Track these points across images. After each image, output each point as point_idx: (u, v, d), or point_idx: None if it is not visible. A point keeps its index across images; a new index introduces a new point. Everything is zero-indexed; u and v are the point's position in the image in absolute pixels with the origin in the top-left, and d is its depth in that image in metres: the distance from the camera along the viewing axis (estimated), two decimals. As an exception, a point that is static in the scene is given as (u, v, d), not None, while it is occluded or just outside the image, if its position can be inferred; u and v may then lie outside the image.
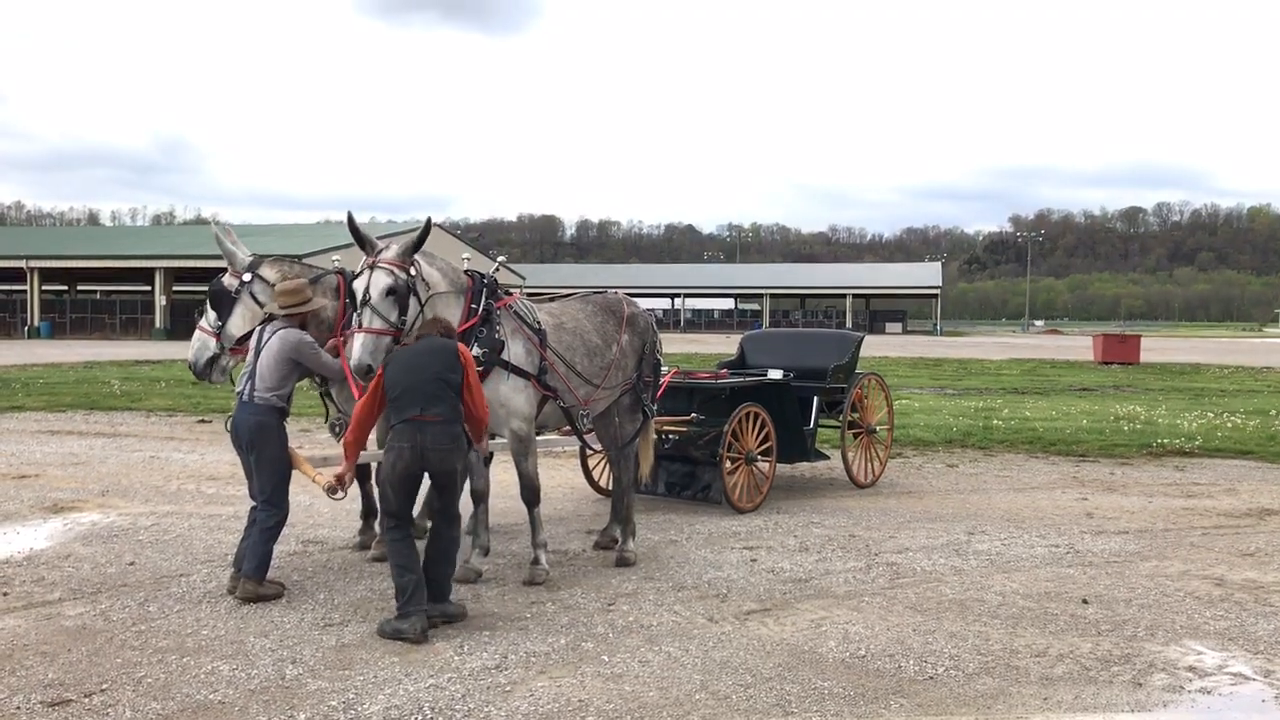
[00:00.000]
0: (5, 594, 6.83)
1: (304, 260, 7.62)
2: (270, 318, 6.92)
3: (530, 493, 7.25)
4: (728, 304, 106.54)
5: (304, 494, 8.98)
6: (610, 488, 10.53)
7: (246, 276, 7.27)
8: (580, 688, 5.30)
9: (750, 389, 10.23)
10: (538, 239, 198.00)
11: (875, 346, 53.00)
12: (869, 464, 11.52)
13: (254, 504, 6.89)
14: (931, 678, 5.53)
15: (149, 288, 64.55)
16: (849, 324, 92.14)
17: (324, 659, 5.66)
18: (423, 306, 6.55)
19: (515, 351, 6.99)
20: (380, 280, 6.40)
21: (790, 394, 10.54)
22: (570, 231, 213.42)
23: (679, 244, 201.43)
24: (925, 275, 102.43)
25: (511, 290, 7.33)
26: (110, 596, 6.80)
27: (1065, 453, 14.01)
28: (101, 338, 60.29)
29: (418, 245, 6.56)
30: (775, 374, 10.74)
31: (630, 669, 5.58)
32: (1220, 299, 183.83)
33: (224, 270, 7.40)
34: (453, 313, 6.77)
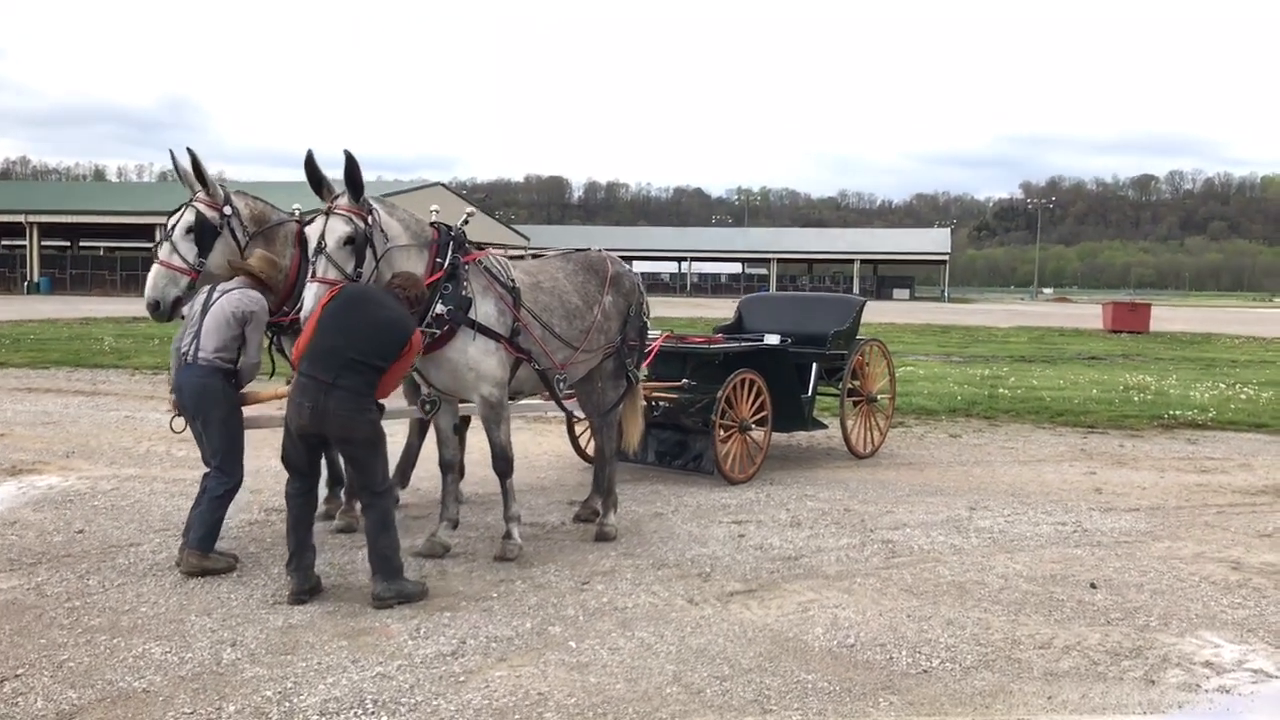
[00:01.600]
0: (-63, 563, 6.41)
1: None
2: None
3: (503, 463, 6.78)
4: (735, 268, 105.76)
5: (274, 459, 8.53)
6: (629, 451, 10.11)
7: (228, 210, 6.68)
8: (541, 678, 4.86)
9: (745, 355, 9.74)
10: (545, 200, 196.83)
11: (882, 312, 52.44)
12: (869, 434, 11.04)
13: (206, 471, 6.46)
14: (925, 671, 5.08)
15: (151, 244, 64.03)
16: (856, 289, 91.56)
17: (267, 642, 5.22)
18: (378, 260, 6.05)
19: (485, 310, 6.49)
20: (338, 227, 5.90)
21: (787, 360, 10.05)
22: (578, 193, 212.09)
23: (687, 207, 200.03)
24: (933, 241, 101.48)
25: (484, 246, 6.82)
26: (50, 568, 6.36)
27: (1073, 423, 13.52)
28: (102, 294, 59.84)
29: (360, 188, 6.03)
30: (772, 339, 10.24)
31: (598, 657, 5.14)
32: (1231, 269, 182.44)
33: (183, 205, 6.72)
34: (414, 267, 6.28)
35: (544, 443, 11.45)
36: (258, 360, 6.50)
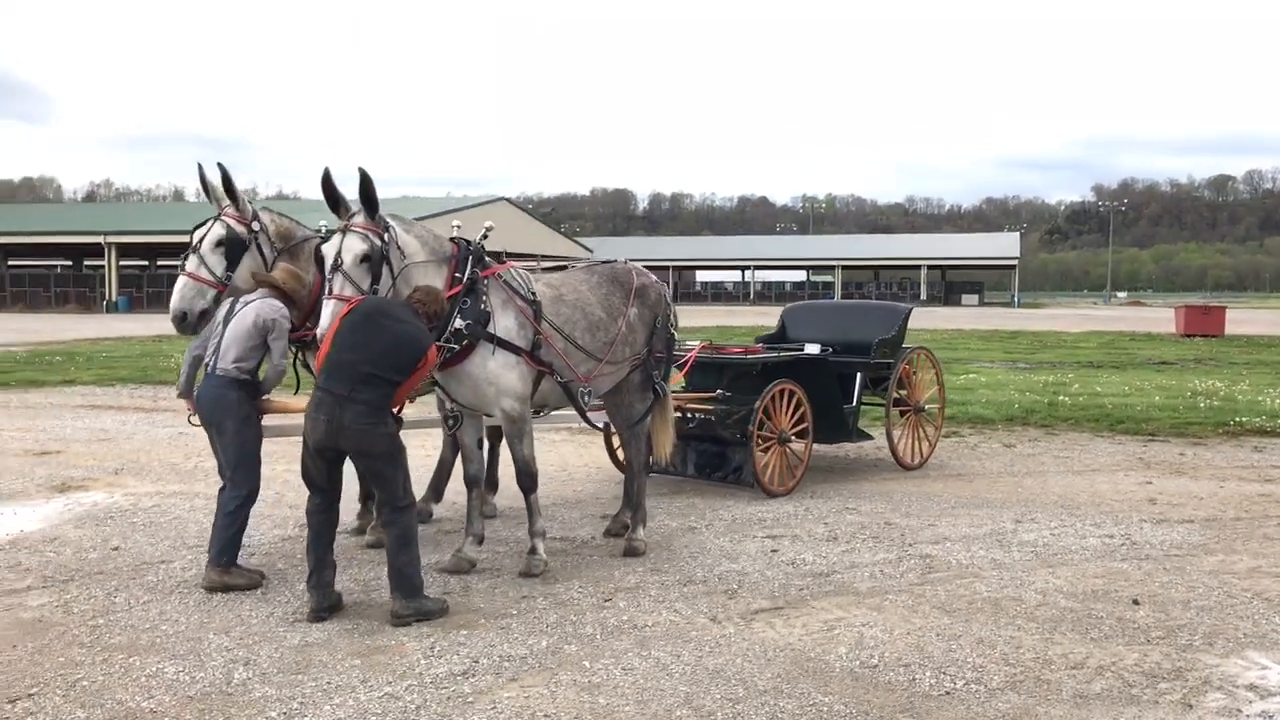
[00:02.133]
0: (-28, 581, 6.50)
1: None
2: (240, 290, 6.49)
3: (526, 478, 6.72)
4: (800, 276, 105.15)
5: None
6: (660, 463, 10.01)
7: (256, 225, 6.75)
8: (550, 699, 4.77)
9: (784, 364, 9.58)
10: (610, 212, 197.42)
11: (949, 319, 51.76)
12: (917, 444, 10.81)
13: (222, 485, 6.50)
14: (949, 693, 4.90)
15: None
16: (923, 295, 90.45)
17: (280, 660, 5.20)
18: (395, 276, 6.04)
19: (505, 324, 6.44)
20: (355, 245, 5.90)
21: (828, 370, 9.87)
22: (643, 204, 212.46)
23: (752, 216, 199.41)
24: (1003, 246, 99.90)
25: (505, 259, 6.77)
26: (81, 585, 6.43)
27: (1134, 431, 13.12)
28: (176, 312, 60.99)
29: (376, 205, 6.02)
30: (812, 349, 10.08)
31: (611, 677, 5.03)
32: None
33: (206, 219, 6.78)
34: (433, 282, 6.25)
35: (586, 455, 11.39)
36: (283, 367, 6.51)
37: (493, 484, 8.54)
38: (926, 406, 11.03)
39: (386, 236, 6.01)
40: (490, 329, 6.35)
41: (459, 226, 6.69)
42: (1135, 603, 6.25)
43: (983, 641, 5.56)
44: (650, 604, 6.15)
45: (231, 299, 6.50)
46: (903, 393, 10.75)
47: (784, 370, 9.47)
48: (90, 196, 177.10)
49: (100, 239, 62.96)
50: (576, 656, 5.30)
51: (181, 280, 6.64)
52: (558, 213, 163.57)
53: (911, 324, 11.27)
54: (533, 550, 6.73)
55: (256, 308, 6.33)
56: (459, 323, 6.24)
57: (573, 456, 11.12)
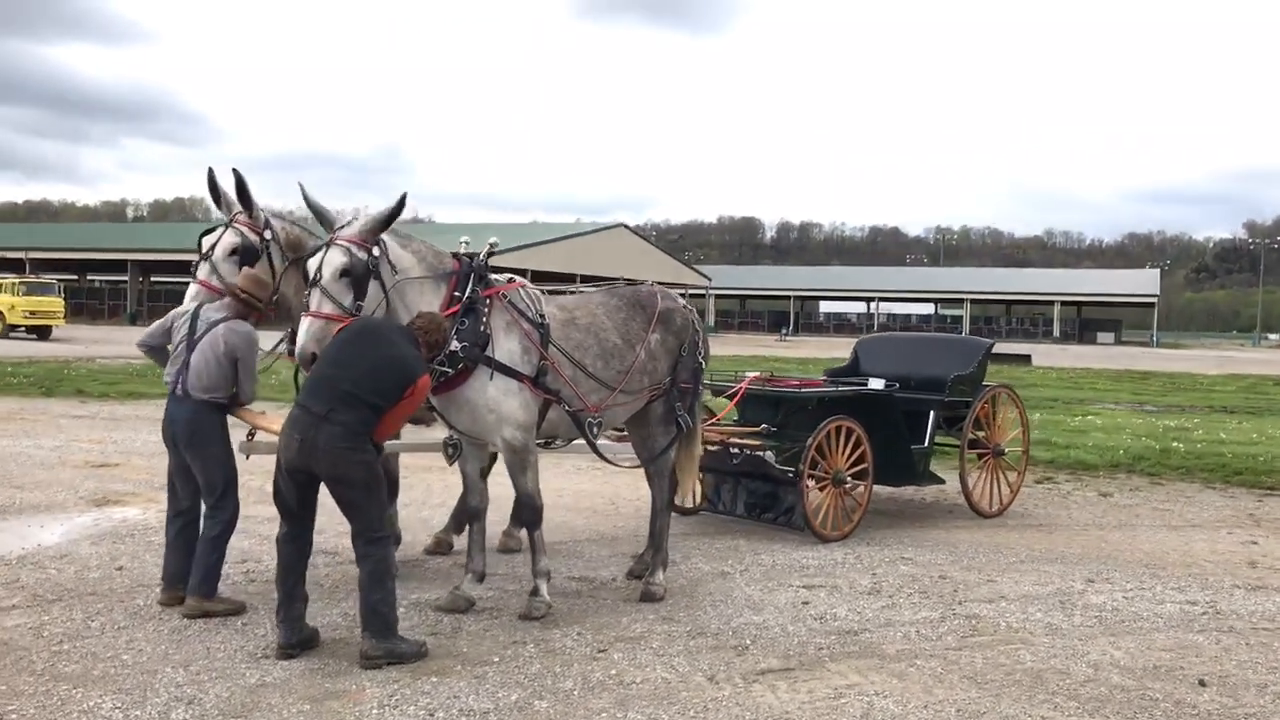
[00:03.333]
0: (-36, 598, 6.35)
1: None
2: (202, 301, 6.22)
3: (530, 512, 6.28)
4: (927, 309, 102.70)
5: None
6: (683, 503, 9.48)
7: (268, 234, 6.50)
8: (494, 764, 4.29)
9: (844, 400, 8.95)
10: (736, 241, 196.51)
11: (1078, 357, 49.67)
12: (995, 490, 10.01)
13: (174, 512, 6.23)
14: (949, 784, 4.25)
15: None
16: (1056, 332, 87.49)
17: (226, 702, 4.85)
18: (386, 292, 5.70)
19: (507, 348, 6.02)
20: (334, 259, 5.57)
21: (894, 406, 9.18)
22: (770, 233, 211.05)
23: (883, 246, 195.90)
24: (1141, 283, 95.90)
25: (513, 279, 6.36)
26: (65, 607, 6.21)
27: (1251, 484, 12.02)
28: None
29: (386, 223, 5.71)
30: (876, 384, 9.42)
31: (573, 741, 4.54)
32: None
33: (222, 226, 6.55)
34: (429, 301, 5.89)
35: (642, 489, 10.86)
36: (252, 394, 6.23)
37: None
38: (1008, 449, 10.22)
39: (375, 250, 5.67)
40: (490, 352, 5.94)
41: (466, 242, 6.31)
42: (1201, 684, 5.46)
43: (1008, 722, 4.88)
44: (648, 657, 5.63)
45: (194, 307, 6.22)
46: (980, 434, 9.98)
47: (843, 405, 8.83)
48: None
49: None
50: (543, 715, 4.81)
51: (193, 288, 6.42)
52: (684, 240, 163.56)
53: (1038, 361, 10.66)
54: (535, 591, 6.28)
55: (222, 335, 6.02)
56: (455, 344, 5.84)
57: (626, 490, 10.63)
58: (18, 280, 41.47)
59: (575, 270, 56.16)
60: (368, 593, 5.40)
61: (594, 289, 7.01)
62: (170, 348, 6.30)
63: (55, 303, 40.41)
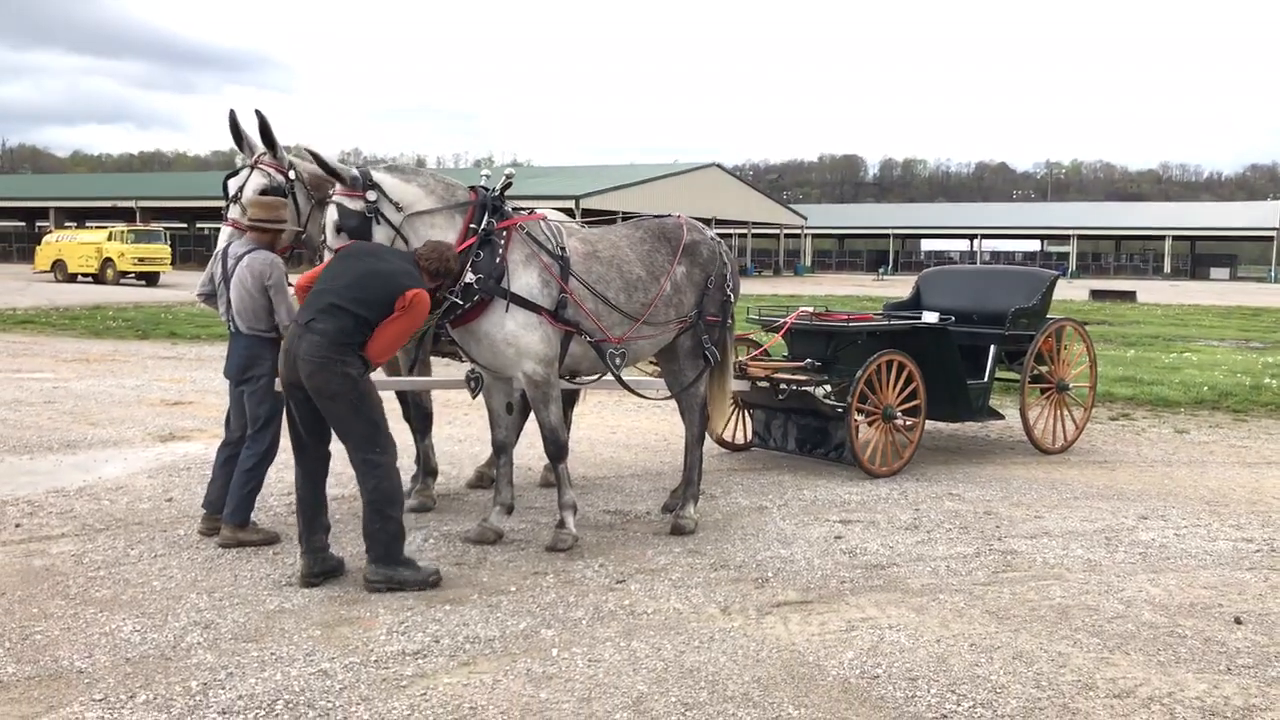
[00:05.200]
0: (18, 525, 6.62)
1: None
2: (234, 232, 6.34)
3: (554, 446, 6.29)
4: (1033, 246, 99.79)
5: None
6: (733, 439, 9.43)
7: (291, 174, 6.57)
8: (487, 689, 4.34)
9: (895, 334, 8.75)
10: (838, 179, 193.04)
11: (1187, 293, 47.90)
12: (1058, 426, 9.72)
13: (224, 443, 6.39)
14: (944, 717, 4.17)
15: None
16: (1167, 269, 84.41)
17: (242, 626, 4.98)
18: (397, 229, 5.74)
19: (525, 281, 5.99)
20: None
21: (949, 340, 8.94)
22: (873, 171, 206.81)
23: (990, 183, 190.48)
24: (1260, 215, 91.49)
25: (534, 210, 6.32)
26: (110, 536, 6.44)
27: (1342, 421, 11.47)
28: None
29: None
30: (930, 317, 9.18)
31: (571, 669, 4.56)
32: None
33: (248, 167, 6.65)
34: (443, 233, 5.88)
35: (666, 422, 10.82)
36: (287, 318, 6.31)
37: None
38: (1073, 385, 9.91)
39: (372, 195, 5.69)
40: (506, 285, 5.93)
41: (487, 175, 6.28)
42: (1237, 621, 5.26)
43: (1021, 657, 4.76)
44: (664, 589, 5.62)
45: (223, 249, 6.33)
46: (1044, 368, 9.68)
47: (892, 339, 8.64)
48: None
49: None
50: (548, 643, 4.84)
51: (224, 229, 6.52)
52: (784, 179, 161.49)
53: (1143, 298, 10.22)
54: (560, 524, 6.31)
55: (246, 265, 6.12)
56: (469, 277, 5.84)
57: (650, 423, 10.59)
58: (126, 229, 42.85)
59: (668, 211, 55.84)
60: (366, 520, 5.47)
61: (623, 222, 6.94)
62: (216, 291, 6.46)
63: (162, 250, 41.64)
